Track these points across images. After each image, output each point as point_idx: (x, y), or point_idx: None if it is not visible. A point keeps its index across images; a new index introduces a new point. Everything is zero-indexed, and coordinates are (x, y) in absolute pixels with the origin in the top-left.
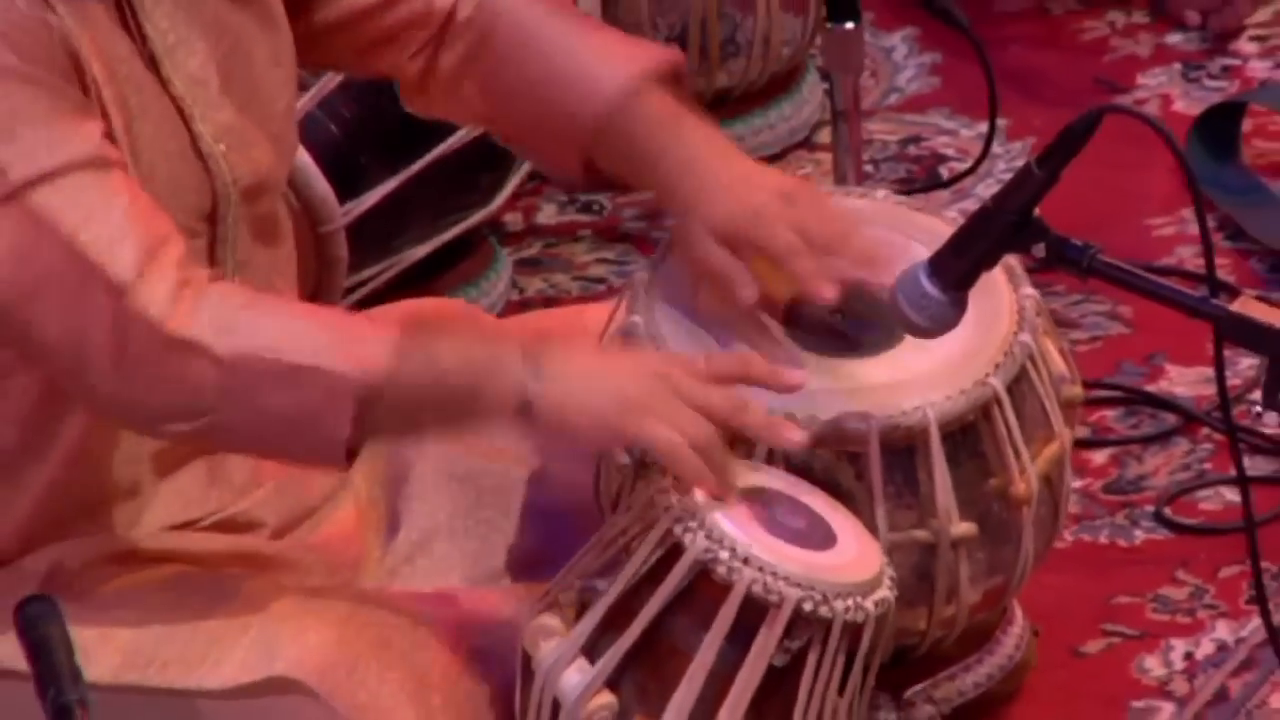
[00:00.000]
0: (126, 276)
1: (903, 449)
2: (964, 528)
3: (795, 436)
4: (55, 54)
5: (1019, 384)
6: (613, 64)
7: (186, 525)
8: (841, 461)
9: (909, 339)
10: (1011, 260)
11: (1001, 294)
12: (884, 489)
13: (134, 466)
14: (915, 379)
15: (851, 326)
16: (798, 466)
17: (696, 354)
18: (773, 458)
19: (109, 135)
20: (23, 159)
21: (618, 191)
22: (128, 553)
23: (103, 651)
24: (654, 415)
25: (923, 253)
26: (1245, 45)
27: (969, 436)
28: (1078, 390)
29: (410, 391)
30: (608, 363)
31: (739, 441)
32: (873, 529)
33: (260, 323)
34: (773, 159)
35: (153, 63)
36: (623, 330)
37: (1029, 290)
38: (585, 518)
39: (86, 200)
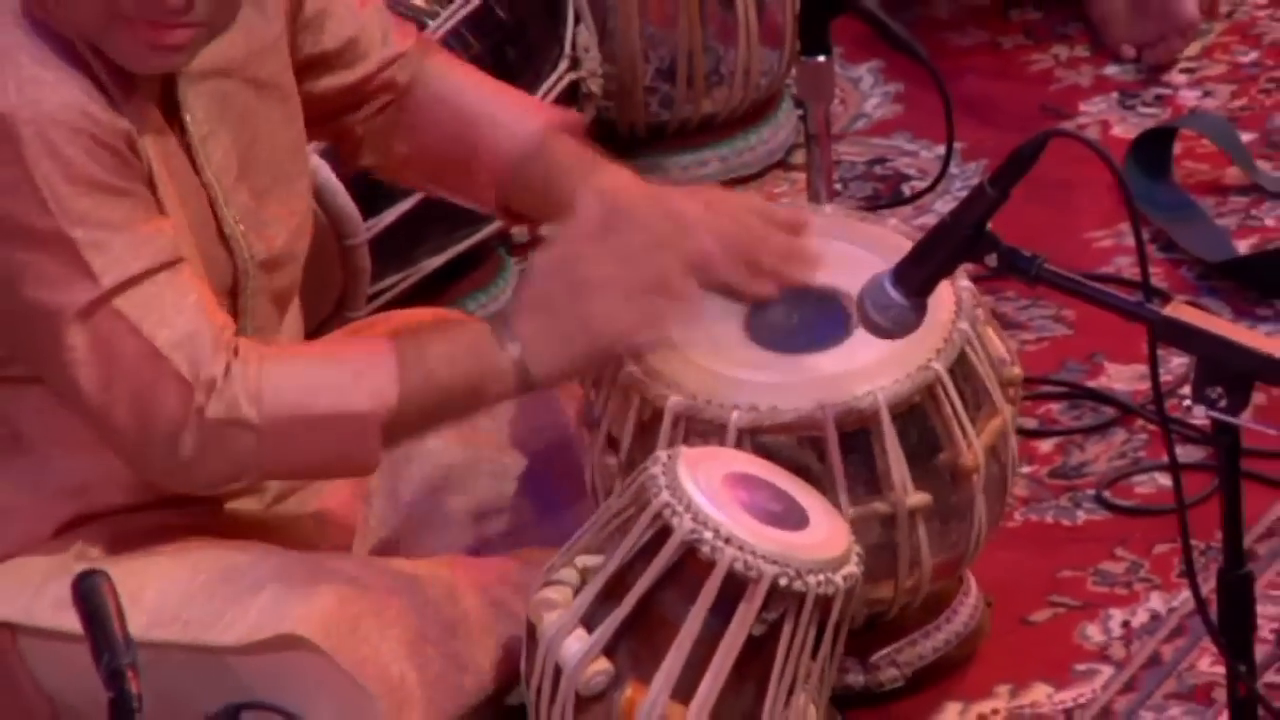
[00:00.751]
0: (193, 372)
1: (858, 431)
2: (919, 498)
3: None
4: (128, 157)
5: (960, 366)
6: (525, 116)
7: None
8: (804, 447)
9: (859, 332)
10: None
11: (941, 287)
12: (843, 468)
13: None
14: (865, 368)
15: (805, 325)
16: (766, 451)
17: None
18: (741, 444)
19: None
20: (113, 266)
21: (532, 225)
22: (156, 528)
23: (132, 612)
24: (615, 324)
25: (865, 256)
26: (1176, 76)
27: (917, 416)
28: (1017, 370)
29: (420, 410)
30: (561, 301)
31: (712, 434)
32: (836, 505)
33: (282, 381)
34: (752, 178)
35: (189, 152)
36: (619, 381)
37: (965, 283)
38: (571, 499)
39: (162, 301)
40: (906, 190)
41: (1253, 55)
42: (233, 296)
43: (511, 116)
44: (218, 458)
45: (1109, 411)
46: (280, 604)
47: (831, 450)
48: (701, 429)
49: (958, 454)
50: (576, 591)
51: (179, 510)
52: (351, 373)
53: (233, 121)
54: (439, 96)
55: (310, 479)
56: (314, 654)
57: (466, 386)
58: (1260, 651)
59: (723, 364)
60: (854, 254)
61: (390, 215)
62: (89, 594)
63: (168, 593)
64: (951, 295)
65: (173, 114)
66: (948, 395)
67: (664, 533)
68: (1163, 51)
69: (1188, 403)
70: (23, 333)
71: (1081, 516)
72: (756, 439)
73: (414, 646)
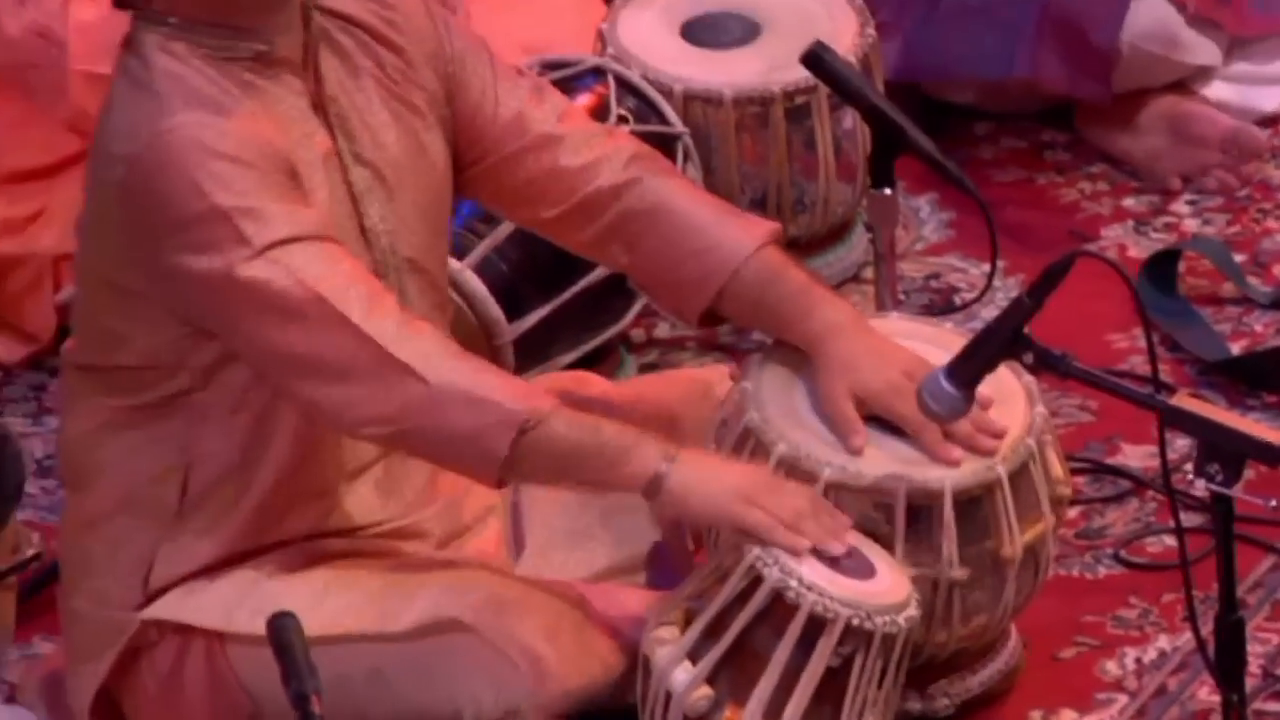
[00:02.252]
0: (359, 313)
1: (923, 506)
2: (961, 572)
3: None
4: (274, 155)
5: (1019, 475)
6: (733, 237)
7: (364, 528)
8: (877, 510)
9: None
10: (1031, 383)
11: (1019, 407)
12: (905, 533)
13: (326, 471)
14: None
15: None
16: (845, 506)
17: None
18: (827, 494)
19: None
20: (265, 229)
21: (649, 326)
22: (324, 554)
23: (316, 613)
24: (758, 507)
25: (921, 347)
26: (1181, 207)
27: (975, 507)
28: (1067, 490)
29: (566, 438)
30: (727, 464)
31: (806, 482)
32: None
33: (460, 365)
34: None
35: (340, 159)
36: (742, 425)
37: (1041, 409)
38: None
39: (318, 260)
40: (958, 300)
41: (1245, 190)
42: None
43: (721, 239)
44: (383, 395)
45: (1125, 484)
46: (439, 596)
47: (899, 517)
48: (799, 477)
49: (1000, 545)
50: (684, 629)
51: (351, 540)
52: (519, 386)
53: (386, 161)
54: (659, 213)
55: (438, 462)
56: (466, 635)
57: (609, 450)
58: (1250, 683)
59: (829, 429)
60: (914, 346)
61: (530, 319)
62: (280, 631)
63: (346, 596)
64: (1027, 415)
65: (328, 126)
66: (1003, 495)
67: (756, 582)
68: (1240, 174)
69: (1191, 477)
70: (200, 304)
71: (1102, 571)
72: (839, 494)
73: (551, 631)
